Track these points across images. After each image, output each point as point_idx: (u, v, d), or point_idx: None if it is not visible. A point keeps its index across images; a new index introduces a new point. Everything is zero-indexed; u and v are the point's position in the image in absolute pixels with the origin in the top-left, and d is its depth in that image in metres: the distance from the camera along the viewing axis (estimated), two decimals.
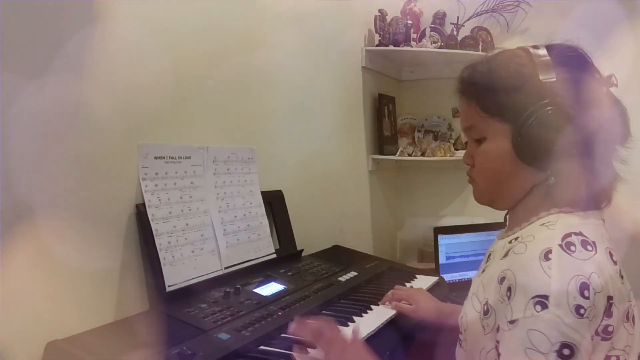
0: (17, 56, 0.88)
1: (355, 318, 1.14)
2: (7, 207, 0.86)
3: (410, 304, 1.22)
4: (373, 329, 1.10)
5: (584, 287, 0.74)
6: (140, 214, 1.09)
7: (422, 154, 2.19)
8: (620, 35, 1.97)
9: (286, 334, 0.96)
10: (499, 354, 0.77)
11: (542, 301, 0.73)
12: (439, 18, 2.24)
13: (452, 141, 2.32)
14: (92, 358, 0.84)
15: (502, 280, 0.80)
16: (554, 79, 0.82)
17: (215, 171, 1.28)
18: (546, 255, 0.76)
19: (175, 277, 1.11)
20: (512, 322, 0.75)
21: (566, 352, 0.72)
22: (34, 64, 0.91)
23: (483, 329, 0.83)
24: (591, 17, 1.99)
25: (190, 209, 1.19)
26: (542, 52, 0.85)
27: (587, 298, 0.74)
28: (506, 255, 0.84)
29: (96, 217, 1.02)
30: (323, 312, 1.16)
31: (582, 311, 0.73)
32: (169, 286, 1.08)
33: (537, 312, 0.73)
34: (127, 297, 1.07)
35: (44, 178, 0.92)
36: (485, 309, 0.84)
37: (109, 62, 1.04)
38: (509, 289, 0.77)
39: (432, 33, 2.18)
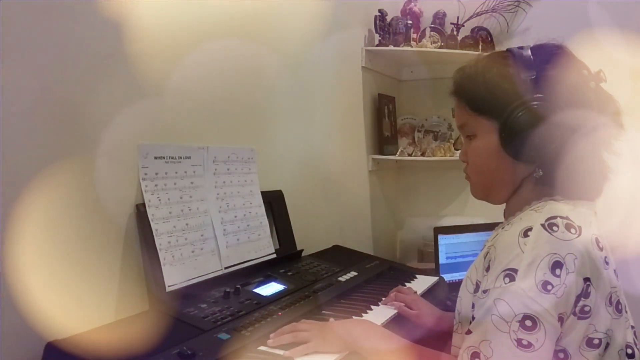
0: (17, 54, 0.88)
1: (355, 318, 1.13)
2: (7, 207, 0.86)
3: (412, 309, 1.23)
4: None
5: (556, 266, 0.78)
6: (140, 214, 1.09)
7: (422, 154, 2.19)
8: (621, 34, 1.97)
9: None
10: (473, 318, 0.83)
11: (510, 274, 0.78)
12: (439, 18, 2.24)
13: (452, 141, 2.32)
14: (92, 358, 0.84)
15: (486, 255, 0.86)
16: (534, 76, 0.87)
17: (215, 171, 1.28)
18: (525, 233, 0.81)
19: (175, 277, 1.11)
20: (484, 291, 0.82)
21: (528, 323, 0.76)
22: (34, 63, 0.91)
23: (473, 307, 0.87)
24: (591, 16, 1.99)
25: (190, 209, 1.19)
26: (526, 52, 0.90)
27: (558, 276, 0.77)
28: (496, 236, 0.90)
29: (96, 217, 1.02)
30: (323, 312, 1.16)
31: (549, 287, 0.77)
32: (169, 286, 1.08)
33: (505, 284, 0.79)
34: (127, 297, 1.07)
35: (44, 178, 0.92)
36: (475, 287, 0.88)
37: (109, 62, 1.04)
38: (489, 262, 0.83)
39: (432, 33, 2.18)
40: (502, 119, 0.88)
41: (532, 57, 0.88)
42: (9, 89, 0.86)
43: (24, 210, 0.89)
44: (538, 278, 0.77)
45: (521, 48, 0.91)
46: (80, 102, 0.99)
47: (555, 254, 0.78)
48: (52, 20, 0.93)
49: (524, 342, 0.76)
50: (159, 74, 1.16)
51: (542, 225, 0.81)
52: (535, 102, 0.85)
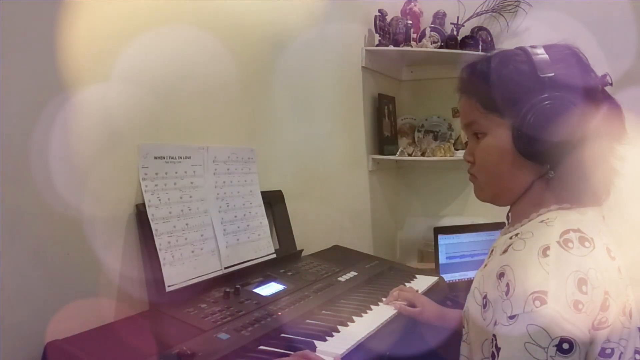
0: (17, 55, 0.88)
1: (355, 318, 1.13)
2: (7, 207, 0.86)
3: (414, 306, 1.22)
4: (373, 328, 1.09)
5: (581, 283, 0.76)
6: (140, 214, 1.09)
7: (422, 154, 2.19)
8: (621, 35, 1.97)
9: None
10: (498, 348, 0.78)
11: (541, 297, 0.75)
12: (439, 18, 2.24)
13: (452, 141, 2.32)
14: (92, 358, 0.84)
15: (500, 275, 0.82)
16: (553, 74, 0.85)
17: (215, 171, 1.28)
18: (544, 252, 0.79)
19: (175, 277, 1.11)
20: (511, 317, 0.77)
21: (565, 346, 0.74)
22: (34, 63, 0.91)
23: (484, 321, 0.85)
24: (591, 16, 1.99)
25: (190, 209, 1.19)
26: (540, 50, 0.88)
27: (585, 293, 0.76)
28: (506, 251, 0.86)
29: (96, 217, 1.02)
30: (323, 312, 1.16)
31: (580, 306, 0.75)
32: (169, 286, 1.08)
33: (536, 307, 0.75)
34: (127, 297, 1.07)
35: (44, 178, 0.92)
36: (484, 302, 0.86)
37: (109, 62, 1.04)
38: (508, 285, 0.79)
39: (432, 33, 2.18)
40: (517, 118, 0.86)
41: (547, 56, 0.87)
42: (9, 89, 0.86)
43: (24, 209, 0.89)
44: (569, 298, 0.75)
45: (534, 47, 0.89)
46: (80, 102, 0.99)
47: (578, 271, 0.77)
48: (52, 20, 0.93)
49: None
50: (160, 74, 1.16)
51: (558, 243, 0.80)
52: (550, 102, 0.84)
